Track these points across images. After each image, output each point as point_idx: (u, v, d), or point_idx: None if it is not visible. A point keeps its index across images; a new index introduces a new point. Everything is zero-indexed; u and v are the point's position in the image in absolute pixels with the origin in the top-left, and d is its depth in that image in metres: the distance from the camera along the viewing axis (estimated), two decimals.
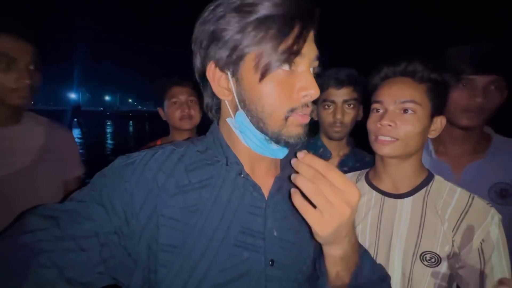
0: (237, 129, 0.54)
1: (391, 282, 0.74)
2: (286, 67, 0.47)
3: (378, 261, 0.74)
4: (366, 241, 0.82)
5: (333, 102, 1.20)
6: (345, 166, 1.24)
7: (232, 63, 0.48)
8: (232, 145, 0.56)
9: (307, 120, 0.51)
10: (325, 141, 1.28)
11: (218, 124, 0.58)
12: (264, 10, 0.45)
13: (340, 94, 1.18)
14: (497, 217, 0.72)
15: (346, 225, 0.45)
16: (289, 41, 0.45)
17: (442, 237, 0.73)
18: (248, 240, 0.52)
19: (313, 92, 0.48)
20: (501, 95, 0.96)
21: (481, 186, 0.97)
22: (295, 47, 0.46)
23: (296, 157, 0.49)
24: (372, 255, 0.79)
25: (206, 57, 0.51)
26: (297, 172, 0.46)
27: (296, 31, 0.46)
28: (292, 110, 0.49)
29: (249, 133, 0.52)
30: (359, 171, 0.96)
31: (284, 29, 0.45)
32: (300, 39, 0.46)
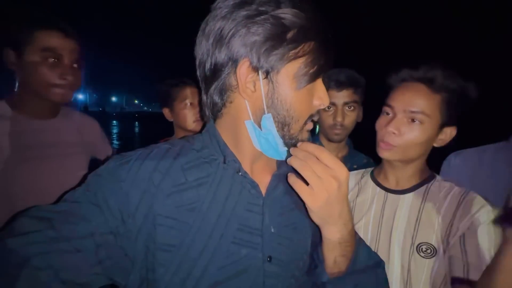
0: (256, 131, 0.53)
1: (391, 274, 0.77)
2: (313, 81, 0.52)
3: (379, 254, 0.75)
4: (368, 234, 0.84)
5: (333, 104, 1.18)
6: None
7: (270, 67, 0.48)
8: (233, 144, 0.55)
9: (312, 126, 0.55)
10: (324, 142, 1.27)
11: (215, 122, 0.57)
12: (301, 20, 0.47)
13: (341, 96, 1.16)
14: (487, 207, 0.71)
15: (337, 200, 0.48)
16: (325, 57, 0.50)
17: (437, 228, 0.75)
18: (246, 237, 0.52)
19: (326, 101, 0.53)
20: None
21: None
22: (328, 64, 0.51)
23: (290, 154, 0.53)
24: (374, 248, 0.81)
25: (238, 53, 0.48)
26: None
27: (330, 48, 0.51)
28: (311, 117, 0.53)
29: (271, 137, 0.52)
30: (363, 169, 0.98)
31: (322, 45, 0.50)
32: (331, 56, 0.51)
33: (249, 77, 0.49)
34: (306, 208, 0.51)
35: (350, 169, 1.22)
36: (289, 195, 0.58)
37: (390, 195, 0.84)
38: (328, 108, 1.19)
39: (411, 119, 0.75)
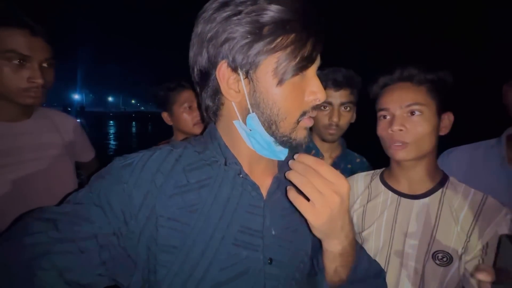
0: (245, 131, 0.53)
1: (404, 280, 0.77)
2: (301, 73, 0.49)
3: (391, 259, 0.76)
4: (380, 239, 0.83)
5: (330, 103, 1.17)
6: (337, 168, 1.24)
7: (248, 65, 0.48)
8: (232, 145, 0.55)
9: (311, 123, 0.53)
10: (317, 142, 1.26)
11: (215, 124, 0.58)
12: (279, 13, 0.46)
13: (338, 96, 1.15)
14: (509, 216, 0.72)
15: (339, 215, 0.47)
16: (308, 48, 0.47)
17: (455, 237, 0.74)
18: (247, 239, 0.52)
19: (321, 96, 0.50)
20: None
21: None
22: (313, 55, 0.48)
23: (293, 157, 0.51)
24: (386, 253, 0.81)
25: (216, 56, 0.49)
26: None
27: (313, 38, 0.48)
28: (304, 114, 0.51)
29: (259, 136, 0.52)
30: (372, 171, 0.96)
31: (303, 36, 0.47)
32: (316, 46, 0.48)
33: (231, 78, 0.50)
34: (306, 221, 0.49)
35: (344, 168, 1.24)
36: None
37: (403, 199, 0.82)
38: (324, 108, 1.18)
39: (410, 112, 0.76)
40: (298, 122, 0.51)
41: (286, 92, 0.48)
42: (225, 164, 0.54)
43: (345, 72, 1.16)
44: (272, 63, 0.47)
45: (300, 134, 0.52)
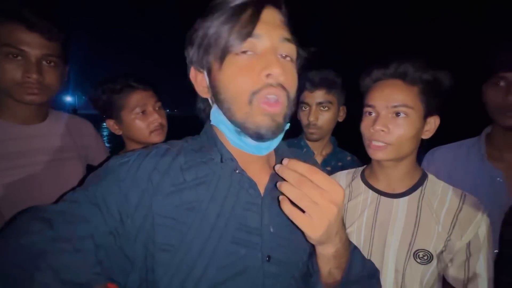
0: (214, 123, 0.56)
1: (385, 278, 0.78)
2: (244, 50, 0.49)
3: (372, 258, 0.76)
4: (361, 238, 0.83)
5: (307, 104, 1.21)
6: (327, 166, 1.26)
7: (203, 60, 0.52)
8: (226, 143, 0.56)
9: (275, 109, 0.49)
10: (308, 141, 1.30)
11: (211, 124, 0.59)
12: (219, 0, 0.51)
13: (314, 97, 1.19)
14: (486, 214, 0.74)
15: (335, 223, 0.46)
16: (240, 23, 0.48)
17: (436, 236, 0.75)
18: (245, 236, 0.51)
19: (276, 71, 0.47)
20: None
21: None
22: (246, 29, 0.48)
23: (291, 150, 0.53)
24: (367, 252, 0.81)
25: (189, 63, 0.56)
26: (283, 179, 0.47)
27: (248, 13, 0.48)
28: (256, 93, 0.48)
29: (223, 127, 0.54)
30: (353, 169, 0.97)
31: (236, 13, 0.49)
32: (251, 20, 0.48)
33: (197, 76, 0.55)
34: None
35: (335, 166, 1.27)
36: None
37: (383, 198, 0.83)
38: (304, 108, 1.23)
39: (396, 113, 0.74)
40: (250, 103, 0.48)
41: (230, 73, 0.49)
42: (221, 161, 0.54)
43: (322, 74, 1.19)
44: (214, 49, 0.51)
45: (259, 121, 0.49)
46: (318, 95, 1.19)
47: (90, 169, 1.13)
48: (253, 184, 0.54)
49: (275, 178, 0.56)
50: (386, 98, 0.75)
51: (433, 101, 0.76)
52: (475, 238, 0.73)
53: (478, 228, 0.73)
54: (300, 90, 1.23)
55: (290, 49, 0.52)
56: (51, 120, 1.00)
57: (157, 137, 1.08)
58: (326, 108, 1.21)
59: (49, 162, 0.94)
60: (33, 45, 0.84)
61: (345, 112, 1.29)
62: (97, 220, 0.46)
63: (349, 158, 1.31)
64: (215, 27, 0.50)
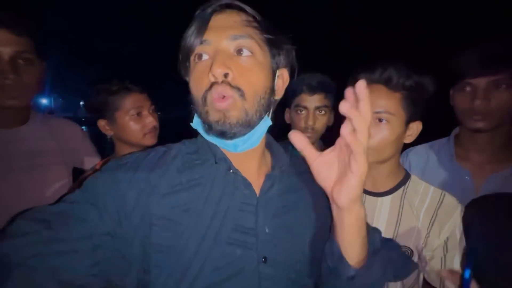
0: (194, 126, 0.58)
1: None
2: (200, 55, 0.53)
3: None
4: None
5: (305, 108, 1.22)
6: None
7: (184, 70, 0.58)
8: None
9: (224, 104, 0.50)
10: None
11: None
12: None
13: (313, 101, 1.20)
14: (463, 213, 0.77)
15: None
16: (194, 33, 0.53)
17: (416, 233, 0.78)
18: (240, 237, 0.51)
19: (215, 70, 0.49)
20: (510, 94, 0.91)
21: None
22: (197, 38, 0.53)
23: (286, 153, 0.57)
24: None
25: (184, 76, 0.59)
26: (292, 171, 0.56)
27: (199, 22, 0.53)
28: (206, 92, 0.51)
29: (199, 127, 0.57)
30: None
31: (194, 24, 0.53)
32: (201, 29, 0.52)
33: (188, 79, 0.58)
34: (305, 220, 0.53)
35: None
36: (285, 197, 0.58)
37: (368, 197, 0.85)
38: (300, 112, 1.23)
39: (378, 119, 0.77)
40: (205, 102, 0.51)
41: (192, 78, 0.54)
42: (216, 162, 0.55)
43: (319, 77, 1.21)
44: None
45: (214, 116, 0.51)
46: (317, 99, 1.21)
47: (80, 172, 1.09)
48: (247, 184, 0.55)
49: (271, 179, 0.58)
50: (370, 103, 0.78)
51: (415, 107, 0.78)
52: (452, 235, 0.77)
53: (455, 226, 0.77)
54: (295, 93, 1.23)
55: (245, 44, 0.52)
56: (33, 123, 0.95)
57: (149, 140, 1.08)
58: (323, 112, 1.23)
59: (30, 167, 0.89)
60: (3, 42, 0.78)
61: (333, 116, 1.32)
62: (95, 221, 0.47)
63: None
64: (183, 41, 0.54)
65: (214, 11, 0.53)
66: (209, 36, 0.52)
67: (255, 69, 0.53)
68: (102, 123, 1.09)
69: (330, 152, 0.46)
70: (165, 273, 0.48)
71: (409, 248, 0.78)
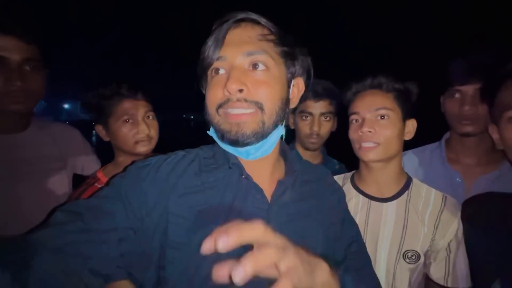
0: (210, 133, 0.60)
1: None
2: (217, 70, 0.57)
3: None
4: None
5: (310, 114, 1.24)
6: None
7: (203, 81, 0.62)
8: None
9: (239, 118, 0.54)
10: (300, 150, 1.32)
11: None
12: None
13: (318, 107, 1.23)
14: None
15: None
16: (211, 49, 0.56)
17: (422, 237, 0.82)
18: None
19: (231, 87, 0.53)
20: None
21: None
22: (214, 54, 0.56)
23: (298, 163, 0.61)
24: None
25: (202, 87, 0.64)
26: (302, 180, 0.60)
27: (215, 38, 0.56)
28: (220, 106, 0.55)
29: (213, 134, 0.60)
30: (343, 175, 1.02)
31: (211, 40, 0.57)
32: (217, 45, 0.56)
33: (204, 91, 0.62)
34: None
35: None
36: (297, 204, 0.59)
37: (373, 203, 0.88)
38: (306, 118, 1.25)
39: (380, 116, 0.83)
40: (218, 113, 0.56)
41: (209, 90, 0.58)
42: (230, 167, 0.58)
43: (324, 84, 1.24)
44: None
45: (225, 127, 0.55)
46: (322, 106, 1.23)
47: (80, 179, 1.05)
48: (259, 190, 0.57)
49: (283, 185, 0.60)
50: (368, 103, 0.85)
51: (407, 105, 0.87)
52: (455, 237, 0.81)
53: (457, 228, 0.81)
54: (300, 99, 1.21)
55: (260, 59, 0.55)
56: (34, 128, 0.94)
57: (142, 148, 1.03)
58: (328, 118, 1.25)
59: (32, 173, 0.89)
60: (12, 49, 0.79)
61: (336, 122, 1.34)
62: (121, 215, 0.50)
63: (337, 166, 1.35)
64: (202, 55, 0.58)
65: (230, 28, 0.56)
66: (225, 52, 0.56)
67: (270, 82, 0.55)
68: (99, 128, 1.06)
69: None
70: (178, 270, 0.50)
71: (416, 252, 0.81)
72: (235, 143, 0.55)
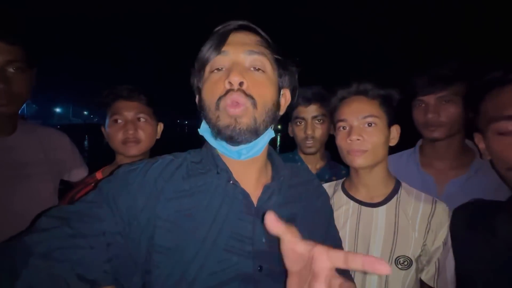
0: (201, 132, 0.61)
1: (369, 287, 0.81)
2: (217, 67, 0.58)
3: None
4: (345, 248, 0.87)
5: (303, 119, 1.27)
6: (321, 179, 1.25)
7: (197, 82, 0.63)
8: (221, 155, 0.61)
9: (237, 111, 0.54)
10: (302, 155, 1.35)
11: None
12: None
13: (309, 111, 1.26)
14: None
15: None
16: (213, 45, 0.58)
17: (414, 242, 0.82)
18: (237, 245, 0.54)
19: (234, 78, 0.55)
20: (455, 107, 1.04)
21: (462, 202, 0.93)
22: (216, 49, 0.58)
23: (286, 168, 0.61)
24: None
25: (194, 89, 0.65)
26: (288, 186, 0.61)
27: (218, 37, 0.59)
28: (220, 98, 0.56)
29: (207, 134, 0.60)
30: (334, 182, 1.03)
31: (212, 39, 0.59)
32: (220, 41, 0.58)
33: (197, 99, 0.63)
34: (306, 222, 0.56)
35: (329, 180, 1.27)
36: (284, 208, 0.60)
37: (364, 208, 0.88)
38: (300, 123, 1.29)
39: (367, 124, 0.84)
40: (218, 107, 0.56)
41: (206, 87, 0.59)
42: (217, 172, 0.59)
43: (313, 89, 1.27)
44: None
45: (224, 122, 0.55)
46: (313, 109, 1.26)
47: (69, 186, 1.04)
48: (246, 195, 0.58)
49: (269, 190, 0.61)
50: (355, 110, 0.86)
51: (391, 111, 0.88)
52: (445, 240, 0.82)
53: (447, 232, 0.82)
54: (292, 107, 1.26)
55: (259, 60, 0.58)
56: (21, 132, 0.92)
57: (129, 150, 1.02)
58: (321, 121, 1.27)
59: (15, 177, 0.87)
60: None
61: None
62: (109, 220, 0.50)
63: (343, 171, 1.35)
64: (201, 52, 0.60)
65: (233, 30, 0.60)
66: (227, 48, 0.58)
67: (266, 83, 0.59)
68: (103, 129, 1.08)
69: (305, 246, 0.40)
70: (164, 274, 0.50)
71: (408, 257, 0.81)
72: (230, 139, 0.55)
